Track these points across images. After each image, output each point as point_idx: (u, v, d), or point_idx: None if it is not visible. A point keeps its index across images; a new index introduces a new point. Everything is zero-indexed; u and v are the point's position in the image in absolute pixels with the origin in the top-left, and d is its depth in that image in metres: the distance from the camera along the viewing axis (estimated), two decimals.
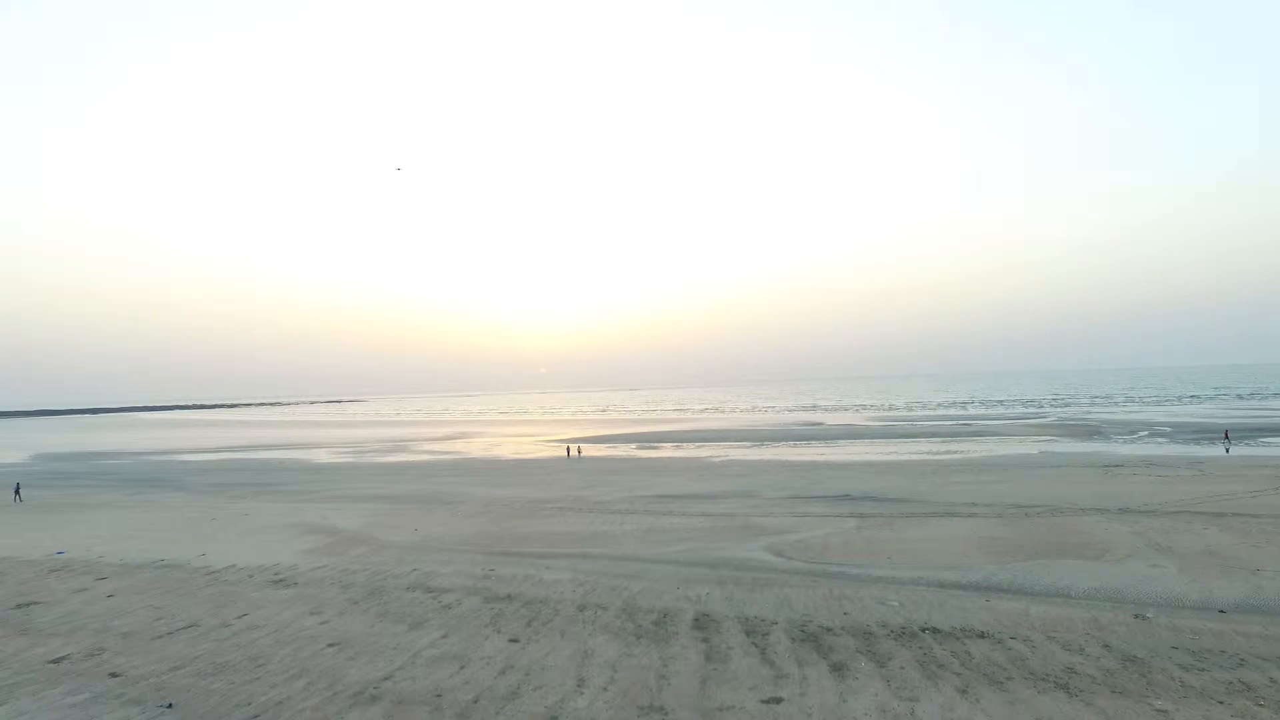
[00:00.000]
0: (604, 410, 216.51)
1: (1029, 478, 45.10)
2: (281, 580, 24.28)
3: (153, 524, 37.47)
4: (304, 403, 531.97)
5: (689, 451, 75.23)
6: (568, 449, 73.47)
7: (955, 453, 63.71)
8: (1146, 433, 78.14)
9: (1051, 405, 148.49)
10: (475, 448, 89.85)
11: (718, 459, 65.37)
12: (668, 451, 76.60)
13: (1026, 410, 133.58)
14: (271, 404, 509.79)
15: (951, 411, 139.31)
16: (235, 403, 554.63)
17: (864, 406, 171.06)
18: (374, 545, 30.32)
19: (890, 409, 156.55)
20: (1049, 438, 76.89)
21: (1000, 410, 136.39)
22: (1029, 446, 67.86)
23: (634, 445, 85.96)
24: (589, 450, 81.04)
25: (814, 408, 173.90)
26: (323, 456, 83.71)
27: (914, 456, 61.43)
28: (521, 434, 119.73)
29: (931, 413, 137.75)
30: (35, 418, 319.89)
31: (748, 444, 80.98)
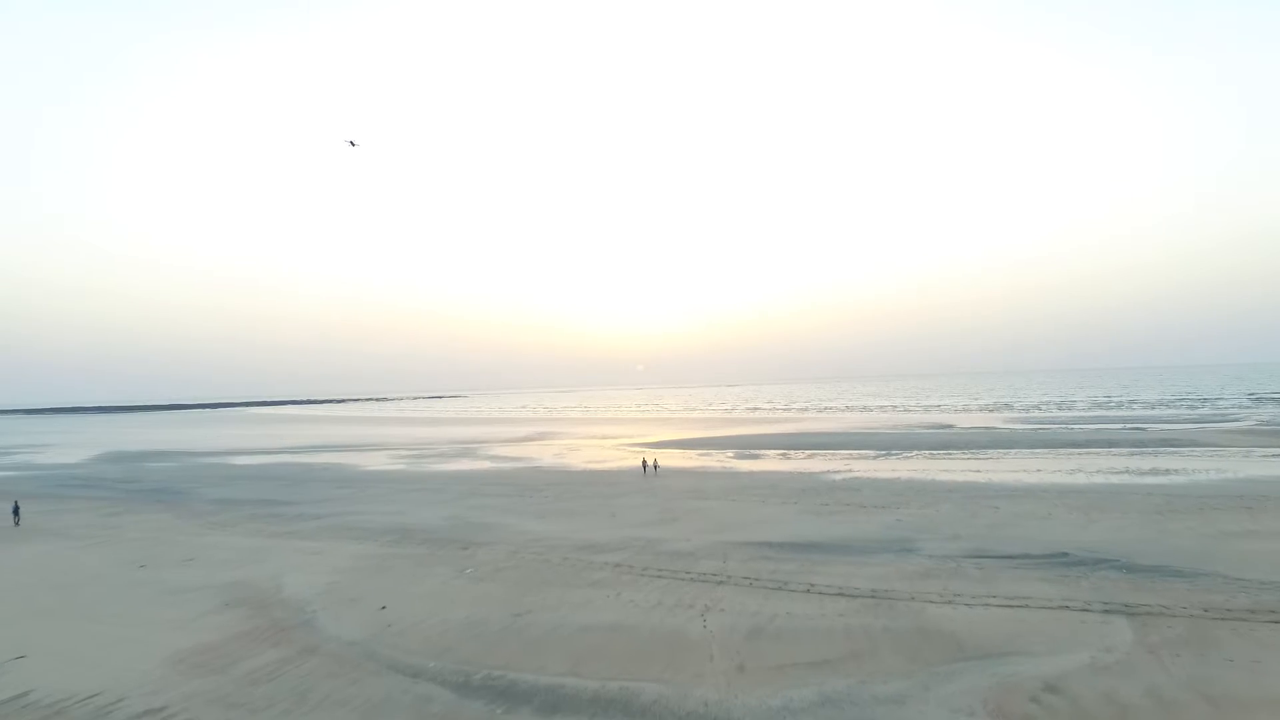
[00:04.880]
0: (698, 408, 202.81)
1: None
2: None
3: (58, 574, 27.33)
4: (408, 398, 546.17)
5: (798, 463, 60.89)
6: (644, 461, 60.24)
7: (1170, 473, 46.60)
8: None
9: (1227, 404, 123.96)
10: (548, 453, 78.65)
11: (838, 475, 50.85)
12: (771, 462, 62.51)
13: (1206, 411, 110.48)
14: (379, 399, 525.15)
15: (1106, 413, 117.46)
16: (345, 398, 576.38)
17: (993, 406, 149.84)
18: (296, 647, 18.45)
19: (1026, 409, 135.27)
20: (1278, 450, 57.77)
21: (1168, 411, 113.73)
22: (1269, 464, 49.66)
23: (730, 453, 72.21)
24: (676, 458, 68.05)
25: (933, 407, 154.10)
26: (377, 461, 74.59)
27: (1113, 479, 44.91)
28: (604, 435, 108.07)
29: (1081, 414, 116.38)
30: (163, 411, 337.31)
31: (871, 453, 65.67)
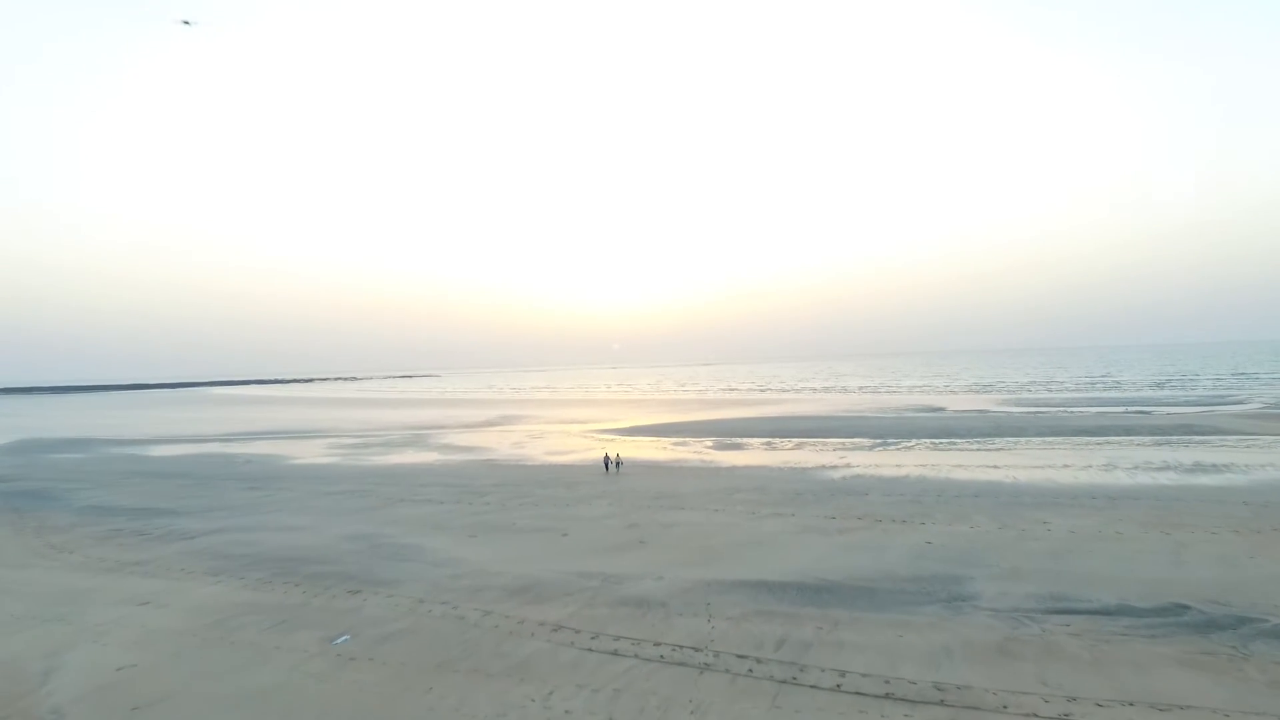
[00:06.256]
0: (673, 389, 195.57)
1: None
2: None
3: None
4: (379, 377, 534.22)
5: (786, 454, 53.66)
6: (606, 458, 49.98)
7: (1219, 469, 39.99)
8: None
9: (1219, 384, 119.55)
10: (505, 442, 70.65)
11: (836, 473, 43.69)
12: (757, 453, 55.26)
13: (1202, 393, 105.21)
14: (349, 379, 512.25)
15: (1099, 394, 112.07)
16: (315, 378, 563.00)
17: (978, 387, 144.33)
18: None
19: (1014, 390, 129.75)
20: None
21: (1163, 393, 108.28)
22: None
23: (708, 442, 64.83)
24: (648, 448, 60.62)
25: (915, 388, 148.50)
26: (312, 451, 66.17)
27: (1161, 478, 38.10)
28: (572, 419, 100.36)
29: (1074, 396, 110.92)
30: (124, 392, 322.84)
31: (866, 443, 58.66)
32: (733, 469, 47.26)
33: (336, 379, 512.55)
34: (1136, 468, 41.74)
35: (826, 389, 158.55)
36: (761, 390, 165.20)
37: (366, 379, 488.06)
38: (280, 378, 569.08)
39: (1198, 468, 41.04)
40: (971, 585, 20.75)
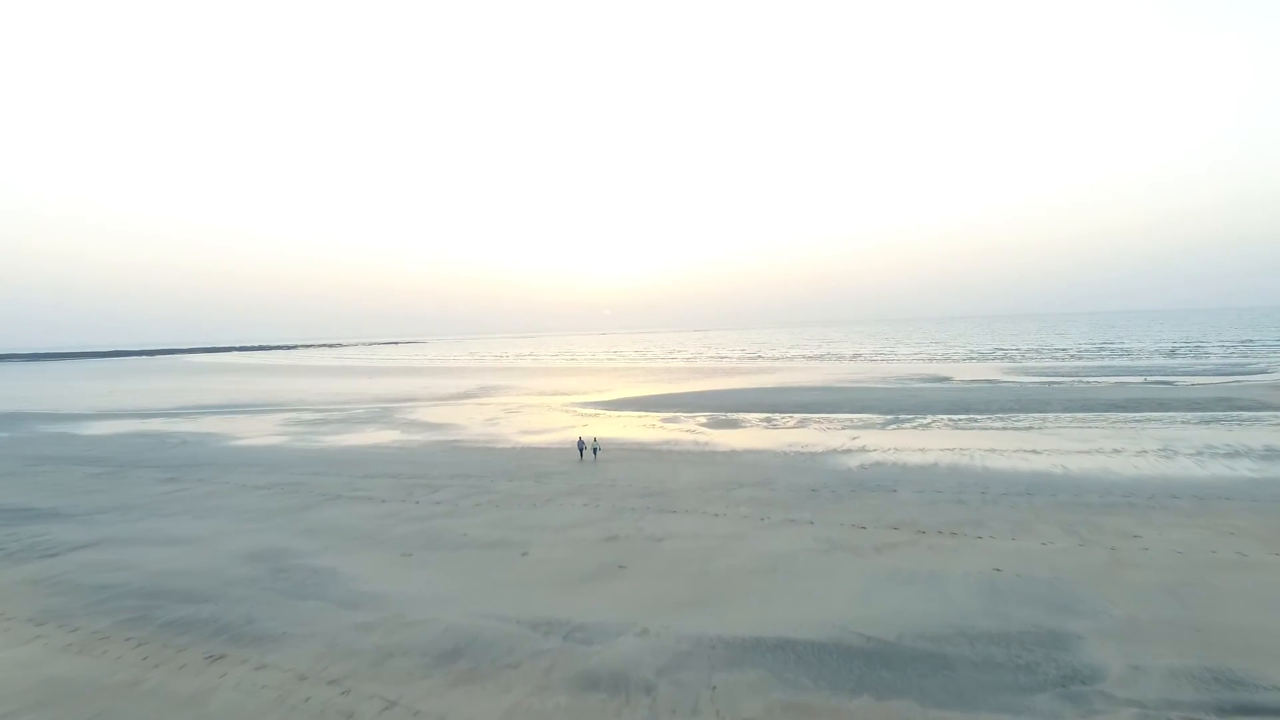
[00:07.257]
0: (662, 356, 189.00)
1: None
2: None
3: None
4: (361, 344, 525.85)
5: (790, 434, 47.56)
6: (580, 442, 42.22)
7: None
8: None
9: (1227, 351, 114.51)
10: (478, 417, 64.12)
11: (852, 459, 37.56)
12: (757, 432, 49.14)
13: (1217, 361, 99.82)
14: (330, 345, 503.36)
15: (1109, 363, 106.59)
16: (296, 344, 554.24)
17: (979, 354, 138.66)
18: None
19: (1019, 358, 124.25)
20: None
21: (1176, 361, 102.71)
22: None
23: (702, 417, 58.56)
24: (634, 426, 54.35)
25: (913, 356, 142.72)
26: (262, 428, 59.54)
27: (1239, 468, 32.14)
28: (554, 390, 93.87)
29: (1084, 364, 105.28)
30: (97, 359, 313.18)
31: (877, 419, 52.61)
32: (731, 454, 41.03)
33: (319, 346, 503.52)
34: (1200, 453, 35.87)
35: (820, 356, 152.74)
36: (754, 358, 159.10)
37: (349, 345, 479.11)
38: (263, 344, 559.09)
39: (1272, 453, 35.25)
40: (1085, 651, 14.64)
